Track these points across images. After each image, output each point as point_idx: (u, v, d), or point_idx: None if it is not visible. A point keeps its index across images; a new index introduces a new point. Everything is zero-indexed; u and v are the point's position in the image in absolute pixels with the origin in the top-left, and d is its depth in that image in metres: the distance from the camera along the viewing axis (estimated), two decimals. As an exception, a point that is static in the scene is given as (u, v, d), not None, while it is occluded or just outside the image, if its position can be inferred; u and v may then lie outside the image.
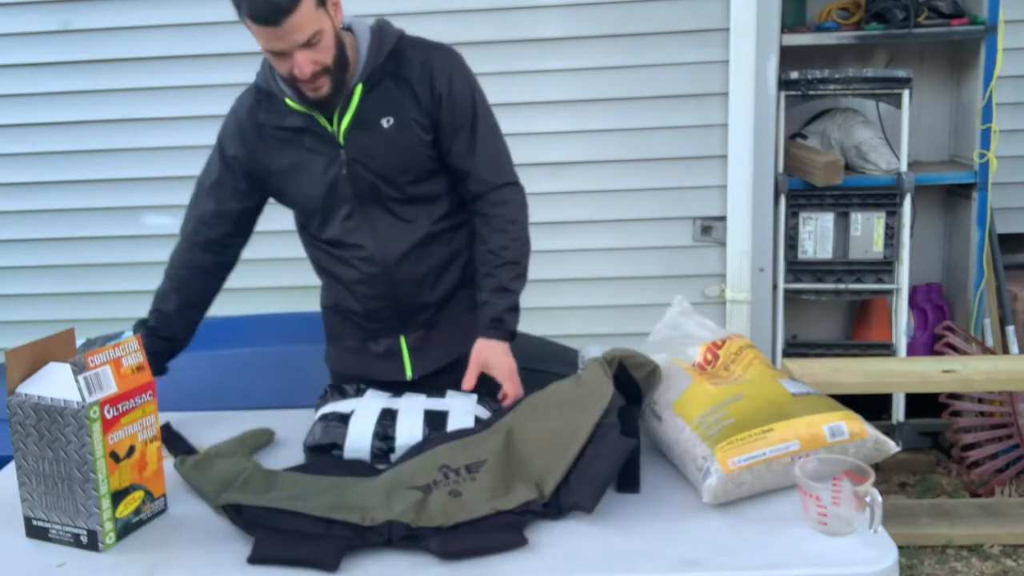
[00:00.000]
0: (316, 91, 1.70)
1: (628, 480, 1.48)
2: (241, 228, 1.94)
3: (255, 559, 1.31)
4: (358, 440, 1.61)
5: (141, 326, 1.95)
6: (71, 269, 3.49)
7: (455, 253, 1.91)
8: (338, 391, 1.77)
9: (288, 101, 1.77)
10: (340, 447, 1.61)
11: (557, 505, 1.40)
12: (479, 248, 1.85)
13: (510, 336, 1.80)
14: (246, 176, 1.87)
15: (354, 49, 1.78)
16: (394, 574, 1.28)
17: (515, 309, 1.82)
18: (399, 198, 1.83)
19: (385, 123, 1.78)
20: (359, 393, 1.76)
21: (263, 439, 1.73)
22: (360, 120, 1.77)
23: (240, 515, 1.40)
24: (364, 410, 1.67)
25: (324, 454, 1.62)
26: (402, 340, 1.92)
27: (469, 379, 1.76)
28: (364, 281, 1.88)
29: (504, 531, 1.34)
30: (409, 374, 1.93)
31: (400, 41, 1.81)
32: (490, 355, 1.76)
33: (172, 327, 1.94)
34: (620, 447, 1.43)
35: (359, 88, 1.76)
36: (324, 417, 1.67)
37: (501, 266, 1.81)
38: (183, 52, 3.29)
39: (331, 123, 1.78)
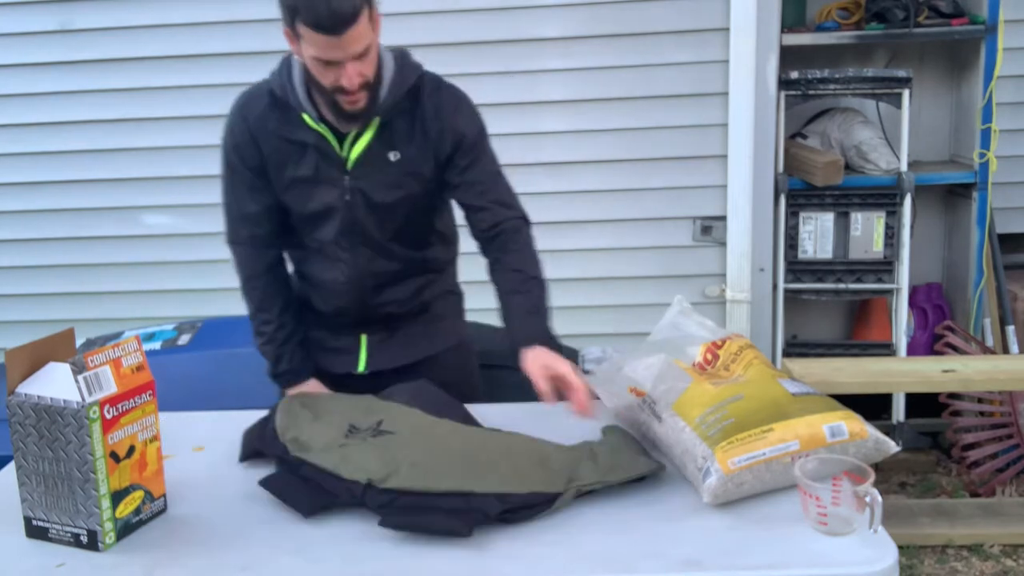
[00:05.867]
0: (354, 104, 1.70)
1: None
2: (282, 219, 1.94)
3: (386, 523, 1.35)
4: None
5: (275, 360, 1.95)
6: (71, 269, 3.49)
7: (430, 279, 1.96)
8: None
9: (304, 116, 1.77)
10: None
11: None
12: (500, 270, 1.84)
13: (554, 345, 1.74)
14: (259, 173, 1.85)
15: (381, 71, 1.77)
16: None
17: (546, 319, 1.79)
18: (388, 232, 1.86)
19: (392, 157, 1.79)
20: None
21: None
22: (370, 151, 1.79)
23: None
24: None
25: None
26: (363, 338, 1.96)
27: (548, 393, 1.65)
28: (334, 290, 1.90)
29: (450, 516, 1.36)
30: (362, 367, 1.96)
31: (419, 80, 1.81)
32: (548, 359, 1.68)
33: (289, 327, 1.95)
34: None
35: (376, 121, 1.77)
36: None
37: (529, 280, 1.80)
38: (183, 52, 3.29)
39: (341, 147, 1.79)
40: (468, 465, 1.45)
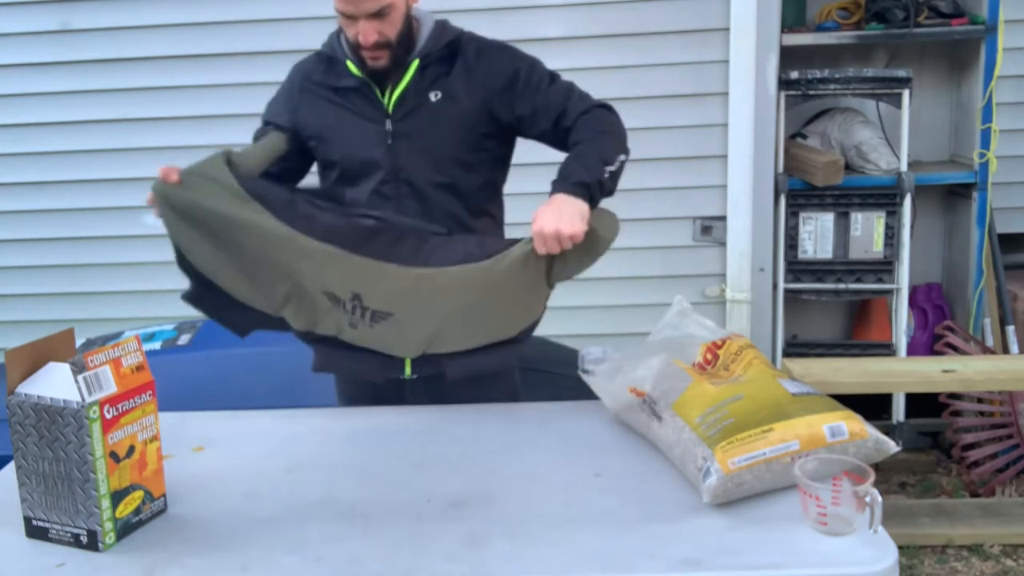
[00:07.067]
0: (375, 61, 1.80)
1: None
2: (292, 166, 2.00)
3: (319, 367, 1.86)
4: None
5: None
6: (71, 269, 3.49)
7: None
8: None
9: (349, 64, 1.86)
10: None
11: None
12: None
13: (582, 193, 1.69)
14: (283, 118, 1.96)
15: (417, 32, 1.88)
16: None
17: (590, 170, 1.74)
18: (433, 182, 1.88)
19: (432, 97, 1.86)
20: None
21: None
22: (410, 93, 1.86)
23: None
24: None
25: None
26: None
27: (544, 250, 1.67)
28: None
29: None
30: (408, 373, 1.89)
31: (459, 36, 1.92)
32: (547, 216, 1.66)
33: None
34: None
35: (415, 63, 1.85)
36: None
37: (579, 144, 1.81)
38: (183, 52, 3.30)
39: (383, 95, 1.87)
40: (484, 317, 1.76)
